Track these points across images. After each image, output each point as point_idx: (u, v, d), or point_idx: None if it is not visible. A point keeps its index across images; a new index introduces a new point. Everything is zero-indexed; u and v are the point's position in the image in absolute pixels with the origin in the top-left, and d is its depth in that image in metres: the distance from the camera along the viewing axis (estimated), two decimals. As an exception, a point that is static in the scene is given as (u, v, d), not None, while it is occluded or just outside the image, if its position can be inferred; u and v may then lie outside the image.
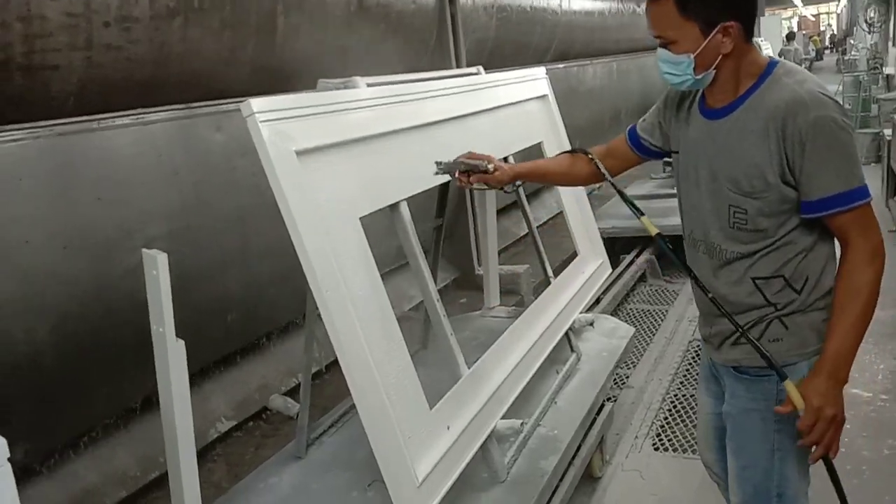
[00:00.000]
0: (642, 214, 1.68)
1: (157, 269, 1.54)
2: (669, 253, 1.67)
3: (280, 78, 3.65)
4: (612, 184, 1.77)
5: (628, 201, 1.74)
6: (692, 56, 1.44)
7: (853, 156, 1.40)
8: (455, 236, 5.39)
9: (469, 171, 1.82)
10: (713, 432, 1.80)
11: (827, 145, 1.37)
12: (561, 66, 6.89)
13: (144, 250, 1.60)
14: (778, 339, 1.52)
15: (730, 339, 1.58)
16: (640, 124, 1.78)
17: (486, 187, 1.89)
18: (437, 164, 1.88)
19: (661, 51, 1.49)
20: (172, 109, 3.12)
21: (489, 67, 5.33)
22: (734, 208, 1.49)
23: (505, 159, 2.80)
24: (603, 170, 1.78)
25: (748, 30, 1.47)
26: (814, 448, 1.48)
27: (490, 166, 1.80)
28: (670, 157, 1.72)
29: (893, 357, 3.52)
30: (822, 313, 1.50)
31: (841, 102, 1.49)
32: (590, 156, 1.81)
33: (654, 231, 1.62)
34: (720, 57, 1.44)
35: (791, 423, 1.50)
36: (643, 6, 8.45)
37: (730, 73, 1.48)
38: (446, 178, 2.28)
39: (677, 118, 1.65)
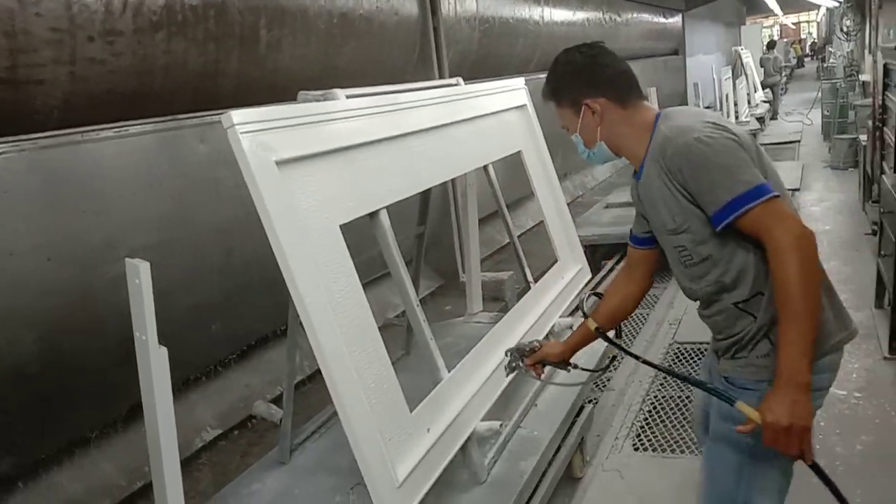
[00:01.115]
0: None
1: (140, 277, 1.57)
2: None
3: (264, 89, 3.70)
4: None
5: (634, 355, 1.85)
6: (577, 134, 1.71)
7: (729, 165, 1.44)
8: (440, 244, 5.44)
9: (522, 355, 2.02)
10: (702, 415, 1.83)
11: (699, 164, 1.46)
12: (543, 76, 6.97)
13: (127, 259, 1.63)
14: (767, 354, 1.53)
15: (726, 354, 1.62)
16: (633, 227, 1.84)
17: (562, 367, 2.03)
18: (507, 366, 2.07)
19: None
20: (156, 121, 3.16)
21: (473, 78, 5.39)
22: (678, 248, 1.60)
23: (485, 167, 2.87)
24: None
25: (619, 97, 1.65)
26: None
27: (535, 343, 2.03)
28: None
29: (867, 356, 3.59)
30: None
31: (724, 124, 1.55)
32: (587, 316, 1.88)
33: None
34: (599, 127, 1.66)
35: (762, 450, 1.48)
36: (624, 16, 8.60)
37: (624, 138, 1.66)
38: (431, 184, 2.37)
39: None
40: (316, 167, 1.79)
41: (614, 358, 2.20)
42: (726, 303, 1.57)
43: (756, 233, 1.43)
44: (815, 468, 1.46)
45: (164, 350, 1.65)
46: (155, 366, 1.64)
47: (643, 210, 1.71)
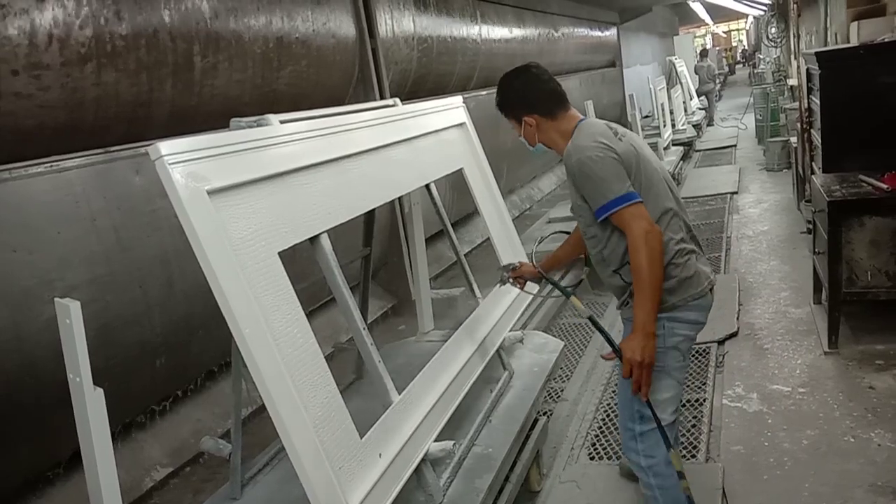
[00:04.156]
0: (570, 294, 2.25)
1: (71, 317, 1.52)
2: (603, 334, 2.13)
3: (201, 117, 3.64)
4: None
5: (556, 284, 2.38)
6: (522, 137, 2.27)
7: (606, 177, 2.00)
8: (391, 264, 5.42)
9: (507, 271, 2.64)
10: None
11: (584, 176, 2.03)
12: (484, 93, 7.04)
13: (57, 299, 1.57)
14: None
15: (623, 305, 2.20)
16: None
17: (537, 281, 2.62)
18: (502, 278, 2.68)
19: None
20: (88, 155, 3.08)
21: (414, 98, 5.40)
22: (580, 225, 2.21)
23: (427, 186, 2.88)
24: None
25: (549, 112, 2.20)
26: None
27: (517, 263, 2.65)
28: None
29: (808, 352, 3.71)
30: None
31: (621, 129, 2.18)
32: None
33: (585, 313, 2.14)
34: (536, 133, 2.22)
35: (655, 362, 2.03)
36: (560, 31, 8.75)
37: (553, 141, 2.23)
38: (371, 206, 2.37)
39: None
40: (250, 195, 1.77)
41: (580, 282, 2.65)
42: (609, 270, 2.15)
43: (620, 226, 2.00)
44: (649, 405, 2.03)
45: (100, 391, 1.60)
46: (91, 408, 1.58)
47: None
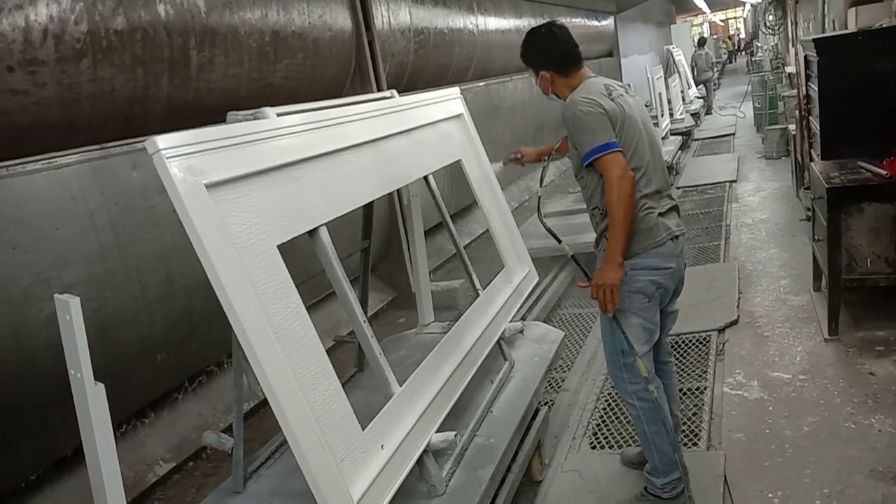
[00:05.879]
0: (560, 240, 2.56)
1: (71, 313, 1.52)
2: (581, 270, 2.50)
3: (198, 111, 3.62)
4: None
5: (547, 228, 2.59)
6: (538, 85, 2.57)
7: (590, 129, 2.27)
8: (391, 256, 5.42)
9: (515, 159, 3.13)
10: None
11: (574, 126, 2.32)
12: (481, 84, 7.02)
13: (56, 295, 1.57)
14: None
15: (600, 243, 2.44)
16: None
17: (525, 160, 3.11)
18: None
19: None
20: (85, 151, 3.07)
21: (411, 90, 5.39)
22: (574, 171, 2.50)
23: (426, 178, 2.87)
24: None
25: (562, 70, 2.49)
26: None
27: (520, 154, 3.12)
28: None
29: (809, 339, 3.71)
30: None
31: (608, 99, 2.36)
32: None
33: (569, 252, 2.53)
34: (550, 85, 2.53)
35: (622, 303, 2.32)
36: (558, 21, 8.75)
37: (563, 93, 2.50)
38: (370, 198, 2.36)
39: None
40: (248, 188, 1.76)
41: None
42: (589, 207, 2.46)
43: (600, 170, 2.29)
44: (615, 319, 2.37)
45: (101, 387, 1.59)
46: (93, 404, 1.58)
47: None
